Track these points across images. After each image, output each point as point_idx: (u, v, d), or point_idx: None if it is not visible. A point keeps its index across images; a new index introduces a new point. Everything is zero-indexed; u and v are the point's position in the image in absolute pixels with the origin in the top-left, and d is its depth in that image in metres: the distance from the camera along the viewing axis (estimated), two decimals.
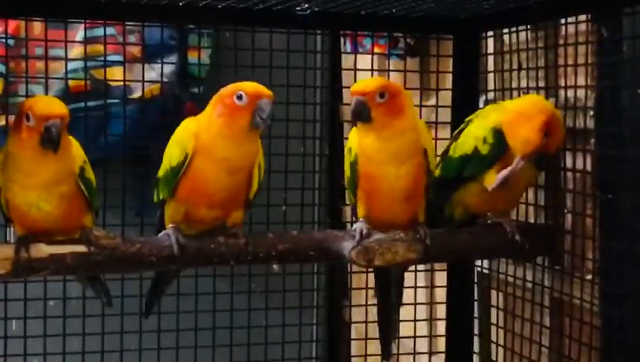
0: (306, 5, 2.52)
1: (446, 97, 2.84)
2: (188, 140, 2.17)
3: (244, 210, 2.28)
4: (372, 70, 2.91)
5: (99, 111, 2.95)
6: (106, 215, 2.50)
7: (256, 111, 2.12)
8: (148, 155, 2.84)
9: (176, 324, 2.77)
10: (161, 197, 2.26)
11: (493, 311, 2.84)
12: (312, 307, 3.10)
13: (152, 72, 3.11)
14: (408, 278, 2.83)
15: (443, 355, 2.89)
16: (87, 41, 2.81)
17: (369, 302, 2.88)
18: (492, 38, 2.79)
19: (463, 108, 2.69)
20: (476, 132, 2.36)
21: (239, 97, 2.12)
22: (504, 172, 2.27)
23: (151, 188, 2.31)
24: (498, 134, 2.30)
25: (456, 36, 2.78)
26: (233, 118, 2.13)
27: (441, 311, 2.94)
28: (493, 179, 2.31)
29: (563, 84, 2.50)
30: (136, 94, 3.21)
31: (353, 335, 3.13)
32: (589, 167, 2.39)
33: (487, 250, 2.47)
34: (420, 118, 2.78)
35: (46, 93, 2.81)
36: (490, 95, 2.82)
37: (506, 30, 2.70)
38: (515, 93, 2.68)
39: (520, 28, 2.64)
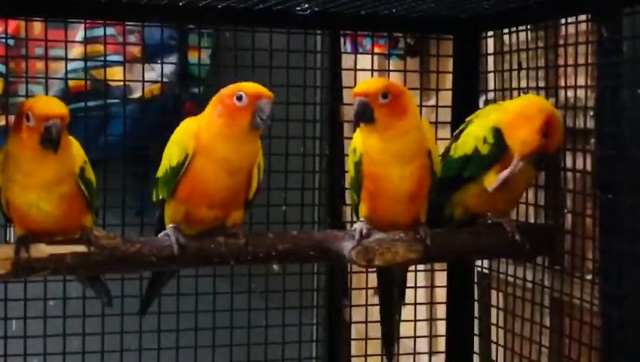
0: (306, 5, 2.52)
1: (446, 97, 2.84)
2: (188, 140, 2.17)
3: (244, 210, 2.28)
4: (372, 70, 2.91)
5: (99, 111, 2.95)
6: (106, 215, 2.50)
7: (257, 111, 2.11)
8: (148, 155, 2.84)
9: (177, 324, 2.77)
10: (160, 197, 2.26)
11: (493, 311, 2.84)
12: (312, 307, 3.10)
13: (152, 72, 3.11)
14: (409, 278, 2.82)
15: (443, 355, 2.89)
16: (87, 41, 2.81)
17: (369, 302, 2.88)
18: (492, 38, 2.79)
19: (463, 108, 2.69)
20: (476, 132, 2.36)
21: (239, 98, 2.12)
22: (504, 173, 2.27)
23: (151, 188, 2.31)
24: (498, 134, 2.30)
25: (456, 36, 2.78)
26: (233, 119, 2.12)
27: (441, 311, 2.94)
28: (493, 180, 2.31)
29: (563, 84, 2.50)
30: (136, 94, 3.21)
31: (353, 335, 3.13)
32: (589, 167, 2.39)
33: (487, 250, 2.47)
34: (420, 118, 2.79)
35: (46, 93, 2.81)
36: (490, 95, 2.82)
37: (506, 30, 2.70)
38: (515, 93, 2.68)
39: (520, 28, 2.64)
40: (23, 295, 2.63)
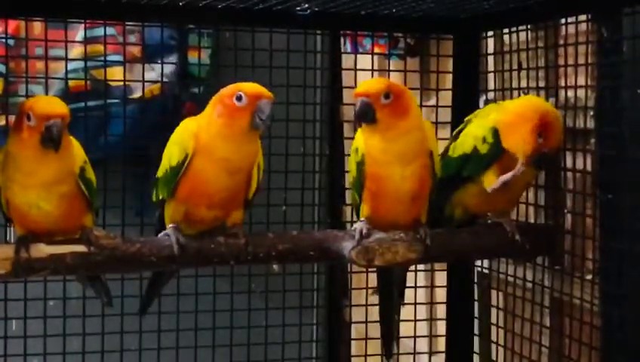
0: (306, 5, 2.52)
1: (446, 97, 2.84)
2: (187, 140, 2.17)
3: (243, 210, 2.28)
4: (372, 70, 2.91)
5: (99, 111, 2.95)
6: (106, 215, 2.50)
7: (256, 112, 2.11)
8: (148, 155, 2.84)
9: (177, 324, 2.77)
10: (160, 197, 2.26)
11: (493, 311, 2.84)
12: (312, 307, 3.10)
13: (152, 72, 3.11)
14: (409, 278, 2.82)
15: (443, 355, 2.89)
16: (87, 41, 2.81)
17: (369, 302, 2.87)
18: (492, 38, 2.79)
19: (463, 108, 2.69)
20: (476, 132, 2.36)
21: (239, 98, 2.12)
22: (505, 176, 2.27)
23: (151, 188, 2.31)
24: (497, 134, 2.30)
25: (456, 36, 2.78)
26: (233, 119, 2.12)
27: (441, 311, 2.94)
28: (492, 180, 2.31)
29: (563, 84, 2.50)
30: (136, 94, 3.21)
31: (353, 335, 3.13)
32: (589, 167, 2.39)
33: (487, 250, 2.47)
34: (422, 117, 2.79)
35: (46, 93, 2.80)
36: (490, 95, 2.82)
37: (506, 30, 2.70)
38: (515, 93, 2.68)
39: (520, 28, 2.64)
40: (23, 295, 2.63)
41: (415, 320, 2.92)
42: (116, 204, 2.68)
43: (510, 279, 2.73)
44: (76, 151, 2.18)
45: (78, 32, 3.10)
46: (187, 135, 2.17)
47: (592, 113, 2.38)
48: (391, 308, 2.53)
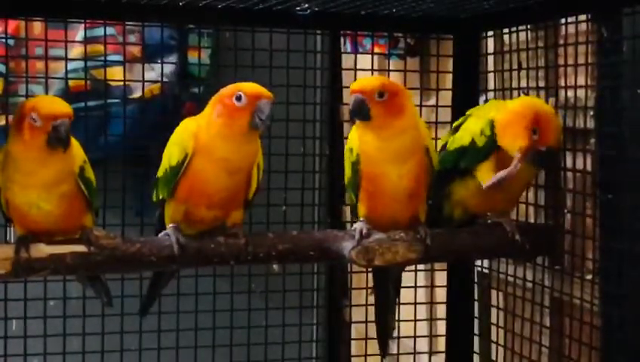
0: (306, 5, 2.52)
1: (446, 97, 2.84)
2: (187, 140, 2.17)
3: (243, 210, 2.28)
4: (372, 70, 2.91)
5: (99, 111, 2.95)
6: (106, 215, 2.50)
7: (256, 112, 2.11)
8: (148, 155, 2.84)
9: (177, 324, 2.77)
10: (160, 197, 2.26)
11: (493, 311, 2.84)
12: (312, 307, 3.10)
13: (152, 72, 3.11)
14: (408, 278, 2.83)
15: (443, 355, 2.89)
16: (87, 41, 2.81)
17: (369, 302, 2.87)
18: (492, 38, 2.79)
19: (463, 108, 2.68)
20: (475, 125, 2.37)
21: (238, 98, 2.12)
22: (501, 173, 2.27)
23: (151, 188, 2.31)
24: (494, 128, 2.30)
25: (456, 36, 2.78)
26: (232, 119, 2.12)
27: (441, 311, 2.94)
28: (488, 176, 2.31)
29: (563, 84, 2.50)
30: (136, 94, 3.21)
31: (353, 335, 3.13)
32: (589, 167, 2.39)
33: (487, 250, 2.47)
34: (420, 118, 2.78)
35: (46, 93, 2.81)
36: (490, 95, 2.82)
37: (506, 30, 2.70)
38: (515, 93, 2.68)
39: (520, 28, 2.64)
40: (23, 295, 2.63)
41: (415, 320, 2.92)
42: (116, 204, 2.68)
43: (510, 279, 2.73)
44: (76, 150, 2.18)
45: (78, 32, 3.11)
46: (187, 135, 2.17)
47: (592, 113, 2.38)
48: (387, 307, 2.53)
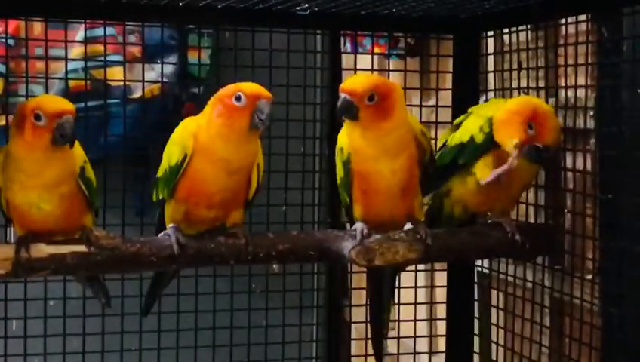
0: (306, 5, 2.52)
1: (446, 97, 2.84)
2: (187, 140, 2.17)
3: (243, 210, 2.28)
4: (372, 70, 2.91)
5: (99, 111, 2.95)
6: (106, 215, 2.50)
7: (255, 112, 2.11)
8: (148, 155, 2.85)
9: (177, 324, 2.77)
10: (160, 197, 2.26)
11: (493, 311, 2.84)
12: (312, 307, 3.10)
13: (152, 72, 3.11)
14: (408, 278, 2.83)
15: (443, 355, 2.89)
16: (87, 41, 2.81)
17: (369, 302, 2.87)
18: (492, 38, 2.80)
19: (463, 108, 2.68)
20: (474, 123, 2.37)
21: (238, 98, 2.12)
22: (498, 169, 2.27)
23: (151, 188, 2.31)
24: (492, 124, 2.30)
25: (456, 36, 2.78)
26: (232, 119, 2.12)
27: (441, 311, 2.94)
28: (486, 173, 2.31)
29: (563, 84, 2.50)
30: (136, 94, 3.21)
31: (353, 335, 3.13)
32: (589, 167, 2.39)
33: (487, 250, 2.46)
34: (420, 118, 2.79)
35: (46, 93, 2.80)
36: (490, 95, 2.82)
37: (506, 30, 2.70)
38: (515, 93, 2.68)
39: (520, 28, 2.64)
40: (23, 295, 2.63)
41: (415, 320, 2.92)
42: (116, 204, 2.68)
43: (510, 279, 2.73)
44: (76, 150, 2.18)
45: (78, 32, 3.11)
46: (186, 135, 2.17)
47: (592, 113, 2.38)
48: (381, 307, 2.53)
